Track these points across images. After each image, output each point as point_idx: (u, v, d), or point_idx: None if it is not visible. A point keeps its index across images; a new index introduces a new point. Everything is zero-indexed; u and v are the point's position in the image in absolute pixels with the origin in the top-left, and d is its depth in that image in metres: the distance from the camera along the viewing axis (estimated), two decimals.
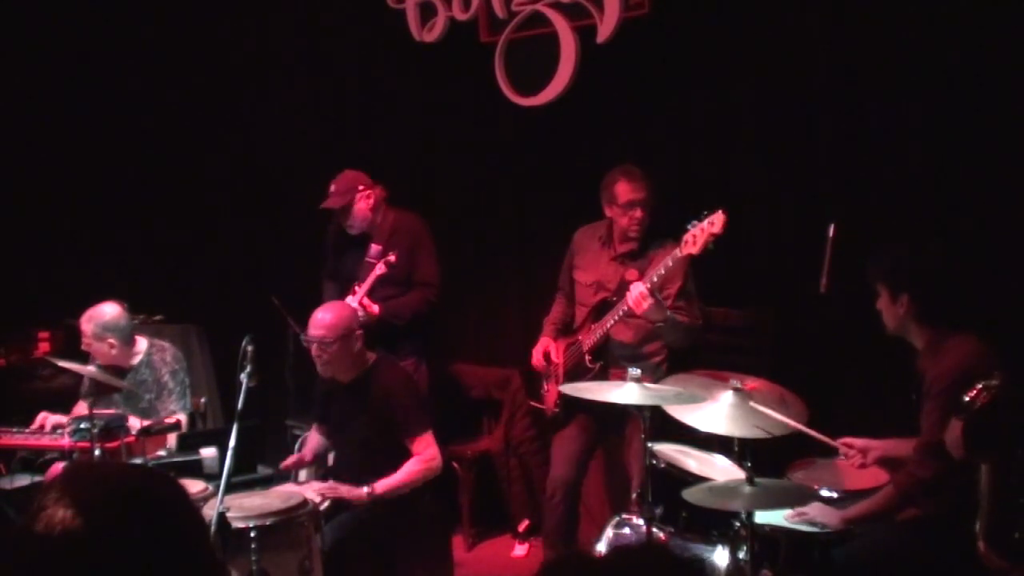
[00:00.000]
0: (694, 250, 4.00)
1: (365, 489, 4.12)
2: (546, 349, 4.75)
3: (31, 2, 6.79)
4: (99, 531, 1.44)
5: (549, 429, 4.84)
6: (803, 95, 4.82)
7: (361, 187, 5.10)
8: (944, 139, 4.44)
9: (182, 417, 4.73)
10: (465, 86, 5.79)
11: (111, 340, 4.74)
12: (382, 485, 4.15)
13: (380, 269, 4.97)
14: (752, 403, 3.57)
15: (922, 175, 4.53)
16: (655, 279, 4.16)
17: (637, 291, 4.16)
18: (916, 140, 4.54)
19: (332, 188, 5.13)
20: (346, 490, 4.15)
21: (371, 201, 5.12)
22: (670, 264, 4.12)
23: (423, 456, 4.25)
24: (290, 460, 4.48)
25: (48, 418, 4.73)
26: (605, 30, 5.21)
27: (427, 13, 5.78)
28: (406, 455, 4.25)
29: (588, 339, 4.55)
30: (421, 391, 4.69)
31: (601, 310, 4.53)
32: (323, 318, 4.28)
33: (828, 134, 4.76)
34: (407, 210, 5.25)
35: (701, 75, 5.09)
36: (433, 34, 5.77)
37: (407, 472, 4.21)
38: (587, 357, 4.54)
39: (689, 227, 4.02)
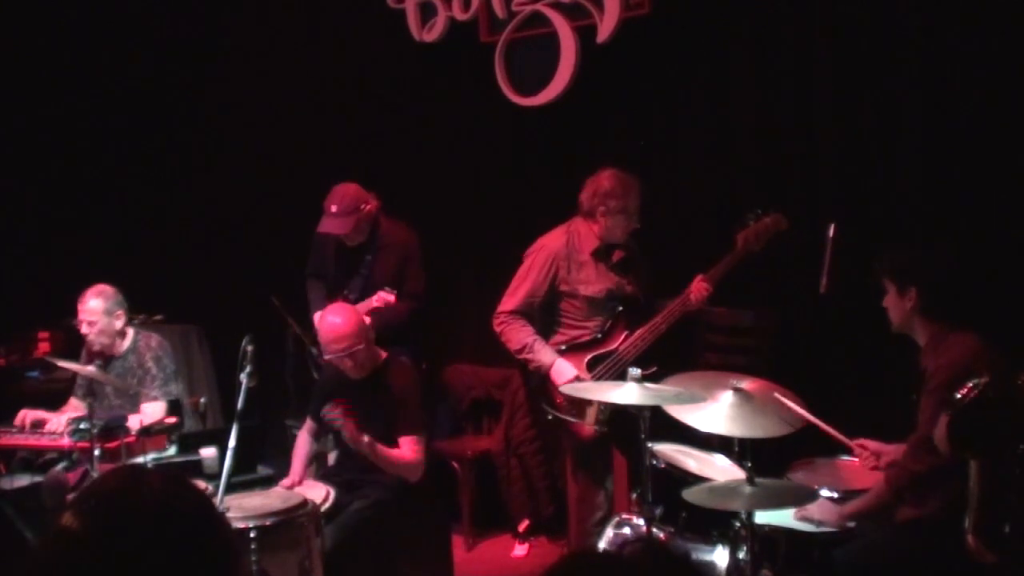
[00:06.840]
0: (756, 247, 4.32)
1: (366, 438, 4.10)
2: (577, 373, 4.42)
3: (35, 2, 6.80)
4: (92, 531, 1.44)
5: (582, 453, 4.55)
6: (803, 95, 4.81)
7: (362, 204, 5.00)
8: (944, 139, 4.44)
9: (162, 404, 4.74)
10: (465, 86, 5.79)
11: (119, 312, 4.81)
12: (382, 448, 4.15)
13: (379, 301, 4.87)
14: (776, 394, 3.61)
15: (922, 175, 4.52)
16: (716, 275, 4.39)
17: (705, 287, 4.33)
18: (916, 141, 4.54)
19: (333, 209, 4.95)
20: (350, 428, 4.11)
21: (371, 215, 5.06)
22: (734, 263, 4.36)
23: (410, 455, 4.24)
24: (285, 483, 4.32)
25: (28, 415, 4.73)
26: (605, 30, 5.21)
27: (427, 13, 5.78)
28: None
29: (633, 347, 4.41)
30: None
31: (631, 314, 4.47)
32: (338, 327, 4.25)
33: (828, 134, 4.76)
34: (397, 219, 5.19)
35: (701, 75, 5.09)
36: (433, 34, 5.77)
37: (399, 455, 4.21)
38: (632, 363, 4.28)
39: (750, 223, 4.31)
